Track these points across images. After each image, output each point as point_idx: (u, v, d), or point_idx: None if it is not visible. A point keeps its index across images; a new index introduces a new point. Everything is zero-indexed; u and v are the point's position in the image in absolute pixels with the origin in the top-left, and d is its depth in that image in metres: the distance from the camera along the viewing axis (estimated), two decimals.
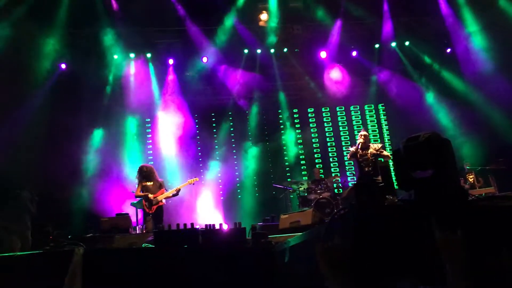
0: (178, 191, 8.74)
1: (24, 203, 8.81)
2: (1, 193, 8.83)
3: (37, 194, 9.15)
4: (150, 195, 8.56)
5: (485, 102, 11.56)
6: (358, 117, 14.11)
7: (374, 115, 14.17)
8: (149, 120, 12.92)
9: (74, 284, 4.56)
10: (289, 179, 12.74)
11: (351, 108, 14.13)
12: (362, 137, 8.70)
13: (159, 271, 4.82)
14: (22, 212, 8.73)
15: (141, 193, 8.65)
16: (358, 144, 8.67)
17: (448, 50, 13.04)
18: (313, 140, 13.95)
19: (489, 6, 11.36)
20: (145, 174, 8.76)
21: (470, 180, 10.95)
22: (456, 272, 1.48)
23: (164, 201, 8.71)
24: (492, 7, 11.38)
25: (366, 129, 11.56)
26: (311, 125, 14.03)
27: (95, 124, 11.82)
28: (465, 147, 11.42)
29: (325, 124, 14.06)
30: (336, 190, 11.04)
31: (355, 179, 9.38)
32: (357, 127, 13.31)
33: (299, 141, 13.90)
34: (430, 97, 13.07)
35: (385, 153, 8.58)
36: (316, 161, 13.74)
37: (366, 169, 8.45)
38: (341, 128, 14.06)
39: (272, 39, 12.52)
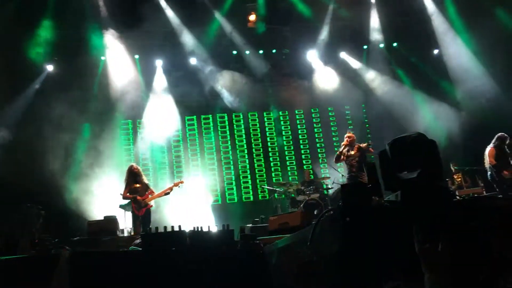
0: (166, 193, 8.70)
1: (30, 217, 8.93)
2: (11, 207, 8.98)
3: (43, 208, 9.22)
4: (139, 197, 8.47)
5: (471, 102, 11.68)
6: (348, 117, 14.10)
7: (363, 116, 14.18)
8: (136, 120, 12.83)
9: None
10: (278, 181, 12.74)
11: (341, 109, 14.12)
12: (347, 138, 8.71)
13: (147, 274, 4.78)
14: (28, 225, 8.85)
15: (129, 195, 8.51)
16: (342, 145, 8.67)
17: (435, 51, 13.18)
18: (302, 142, 13.92)
19: (479, 9, 11.44)
20: (134, 175, 8.61)
21: (458, 180, 11.03)
22: (434, 280, 1.50)
23: (152, 203, 8.65)
24: (480, 8, 11.47)
25: (354, 131, 11.54)
26: (299, 126, 14.00)
27: (82, 125, 11.71)
28: (451, 148, 11.49)
29: (314, 125, 14.03)
30: (325, 191, 11.02)
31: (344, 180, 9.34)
32: (346, 127, 13.26)
33: (288, 142, 13.86)
34: (417, 98, 13.14)
35: (371, 149, 8.55)
36: (305, 162, 13.71)
37: (354, 170, 8.45)
38: (332, 129, 14.03)
39: (261, 27, 12.46)
